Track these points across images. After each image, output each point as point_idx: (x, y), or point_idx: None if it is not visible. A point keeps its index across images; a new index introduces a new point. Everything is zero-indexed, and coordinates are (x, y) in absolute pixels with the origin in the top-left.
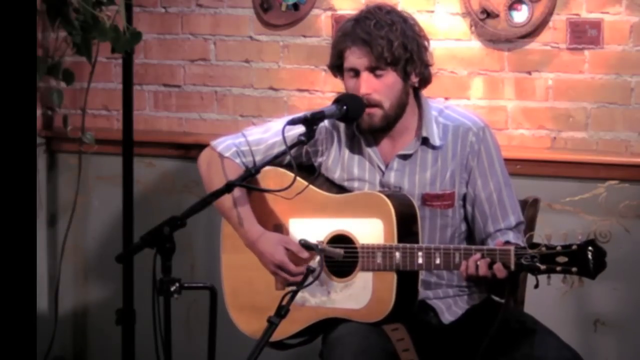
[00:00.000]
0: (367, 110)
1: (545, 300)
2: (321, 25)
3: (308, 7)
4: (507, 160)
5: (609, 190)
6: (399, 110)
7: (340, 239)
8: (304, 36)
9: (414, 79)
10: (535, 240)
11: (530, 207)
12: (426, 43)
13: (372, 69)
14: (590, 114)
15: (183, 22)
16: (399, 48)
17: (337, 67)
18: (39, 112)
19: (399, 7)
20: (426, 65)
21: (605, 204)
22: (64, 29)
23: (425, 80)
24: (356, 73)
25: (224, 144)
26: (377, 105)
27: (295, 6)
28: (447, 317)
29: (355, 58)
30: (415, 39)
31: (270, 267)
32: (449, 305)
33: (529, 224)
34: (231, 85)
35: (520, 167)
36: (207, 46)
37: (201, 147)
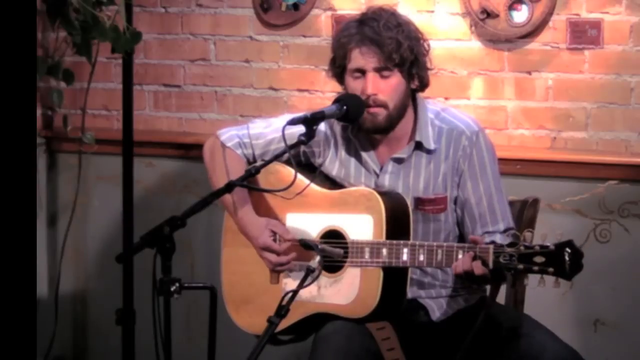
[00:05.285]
0: (371, 109)
1: (545, 300)
2: (321, 25)
3: (308, 7)
4: (507, 160)
5: (609, 190)
6: (402, 111)
7: (333, 234)
8: (304, 36)
9: (415, 82)
10: (535, 240)
11: (530, 207)
12: (427, 46)
13: (379, 70)
14: (590, 114)
15: (183, 22)
16: (407, 50)
17: (339, 67)
18: (39, 112)
19: (399, 7)
20: (427, 69)
21: (605, 204)
22: (64, 29)
23: (424, 84)
24: (362, 74)
25: (228, 134)
26: (382, 105)
27: (295, 6)
28: (438, 316)
29: (362, 58)
30: (419, 42)
31: (258, 250)
32: (441, 305)
33: (529, 224)
34: (231, 85)
35: (520, 167)
36: (207, 46)
37: (201, 147)
